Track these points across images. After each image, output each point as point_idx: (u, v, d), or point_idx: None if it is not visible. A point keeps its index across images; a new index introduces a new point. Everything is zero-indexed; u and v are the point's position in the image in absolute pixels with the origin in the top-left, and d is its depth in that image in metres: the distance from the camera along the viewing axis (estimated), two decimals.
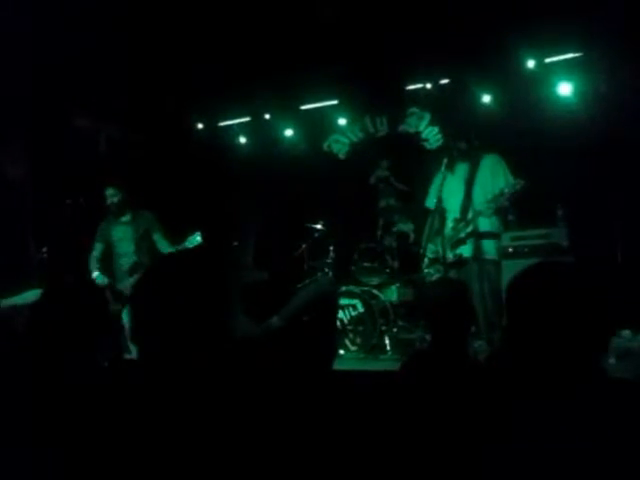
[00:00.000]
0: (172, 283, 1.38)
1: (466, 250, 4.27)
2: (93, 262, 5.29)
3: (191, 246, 5.17)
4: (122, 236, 5.25)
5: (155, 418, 1.29)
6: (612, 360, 4.06)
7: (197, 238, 5.19)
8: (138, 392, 1.36)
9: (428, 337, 5.31)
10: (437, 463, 1.85)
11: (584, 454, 1.23)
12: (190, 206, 7.21)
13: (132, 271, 5.15)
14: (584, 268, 1.51)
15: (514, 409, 1.43)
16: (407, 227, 6.48)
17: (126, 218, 5.29)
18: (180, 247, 5.16)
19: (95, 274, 5.22)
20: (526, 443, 1.31)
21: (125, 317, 5.14)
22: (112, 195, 5.22)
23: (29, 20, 5.18)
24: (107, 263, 5.34)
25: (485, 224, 4.27)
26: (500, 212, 4.36)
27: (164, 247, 5.19)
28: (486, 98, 6.90)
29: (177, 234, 5.35)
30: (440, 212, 4.40)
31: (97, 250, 5.32)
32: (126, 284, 5.10)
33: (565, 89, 6.44)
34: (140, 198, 5.44)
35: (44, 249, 5.22)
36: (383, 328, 5.67)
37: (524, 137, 6.35)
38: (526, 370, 1.63)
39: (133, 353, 5.09)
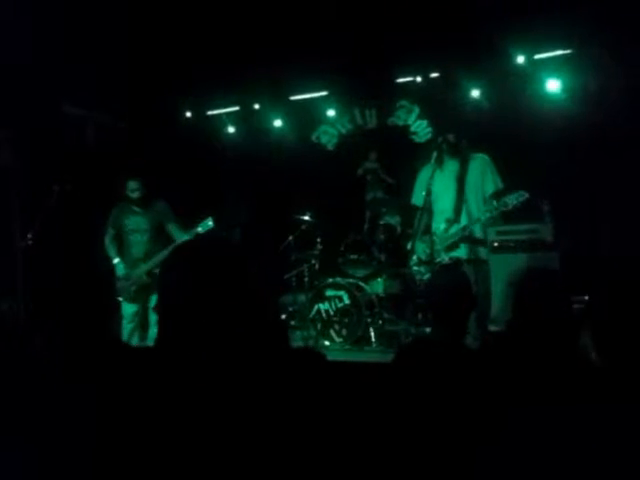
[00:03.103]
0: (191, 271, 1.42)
1: (461, 252, 4.27)
2: (111, 247, 5.29)
3: (203, 231, 5.19)
4: (135, 227, 5.24)
5: (164, 404, 1.30)
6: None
7: (209, 223, 5.19)
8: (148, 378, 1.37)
9: (413, 329, 5.37)
10: (432, 452, 1.87)
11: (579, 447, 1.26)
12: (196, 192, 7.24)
13: (146, 257, 5.17)
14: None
15: (510, 397, 1.46)
16: (394, 220, 6.49)
17: (140, 209, 5.27)
18: (193, 232, 5.17)
19: (116, 261, 5.23)
20: (523, 434, 1.33)
21: (128, 308, 5.19)
22: (135, 189, 5.21)
23: (20, 9, 5.11)
24: (117, 247, 5.34)
25: (479, 230, 4.29)
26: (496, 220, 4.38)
27: (179, 236, 5.17)
28: (475, 93, 6.93)
29: (187, 220, 5.36)
30: (428, 209, 4.38)
31: (110, 235, 5.31)
32: (140, 272, 5.12)
33: (553, 85, 6.50)
34: (154, 189, 5.43)
35: (29, 236, 5.16)
36: (368, 320, 5.70)
37: (512, 132, 6.40)
38: (524, 357, 1.66)
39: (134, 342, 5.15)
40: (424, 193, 4.27)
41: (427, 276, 4.31)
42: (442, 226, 4.34)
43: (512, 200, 4.03)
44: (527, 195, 4.00)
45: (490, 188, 4.28)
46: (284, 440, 1.42)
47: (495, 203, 4.15)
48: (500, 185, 4.28)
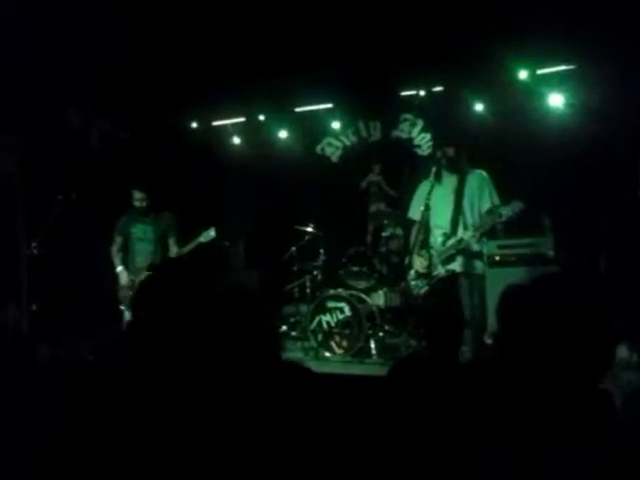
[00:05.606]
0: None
1: (457, 265, 4.29)
2: (115, 256, 5.40)
3: (205, 240, 5.26)
4: (142, 235, 5.34)
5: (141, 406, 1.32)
6: None
7: (211, 232, 5.26)
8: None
9: (413, 342, 5.37)
10: (424, 465, 1.88)
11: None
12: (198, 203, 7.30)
13: (148, 269, 5.23)
14: (583, 288, 1.50)
15: (500, 415, 1.47)
16: (396, 232, 6.52)
17: (147, 218, 5.36)
18: (194, 243, 5.26)
19: (119, 269, 5.35)
20: (515, 448, 1.35)
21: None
22: (141, 199, 5.30)
23: (22, 16, 5.17)
24: (123, 256, 5.45)
25: (476, 243, 4.30)
26: (491, 232, 4.40)
27: (173, 252, 5.29)
28: (478, 107, 6.97)
29: (190, 230, 5.44)
30: (426, 224, 4.39)
31: (117, 244, 5.43)
32: (142, 278, 5.16)
33: (556, 100, 6.52)
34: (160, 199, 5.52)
35: (34, 244, 5.22)
36: (369, 332, 5.70)
37: (514, 146, 6.43)
38: (514, 376, 1.67)
39: None
40: (422, 208, 4.29)
41: (425, 289, 4.32)
42: (439, 239, 4.36)
43: (507, 211, 4.02)
44: (522, 205, 3.97)
45: (486, 204, 4.29)
46: (265, 453, 1.44)
47: (490, 214, 4.16)
48: (497, 202, 4.28)
